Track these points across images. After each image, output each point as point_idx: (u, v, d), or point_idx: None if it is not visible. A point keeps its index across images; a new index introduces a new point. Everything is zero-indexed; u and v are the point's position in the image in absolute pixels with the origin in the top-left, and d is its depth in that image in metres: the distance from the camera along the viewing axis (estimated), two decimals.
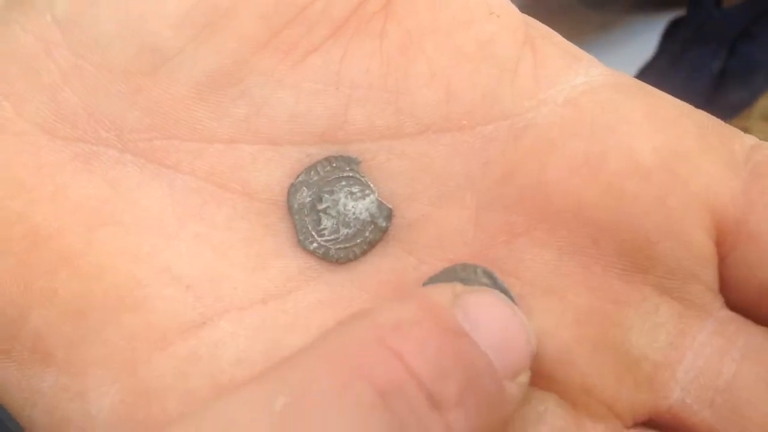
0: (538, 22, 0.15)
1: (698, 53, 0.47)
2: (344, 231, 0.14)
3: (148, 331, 0.14)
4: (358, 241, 0.14)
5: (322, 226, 0.14)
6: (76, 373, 0.14)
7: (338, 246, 0.14)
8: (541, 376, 0.13)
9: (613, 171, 0.14)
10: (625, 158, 0.14)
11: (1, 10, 0.15)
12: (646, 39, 0.52)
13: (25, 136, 0.14)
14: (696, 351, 0.13)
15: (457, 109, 0.14)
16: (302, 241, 0.14)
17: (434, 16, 0.15)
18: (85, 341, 0.14)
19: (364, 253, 0.14)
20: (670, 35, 0.51)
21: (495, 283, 0.14)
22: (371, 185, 0.14)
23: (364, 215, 0.14)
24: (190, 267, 0.14)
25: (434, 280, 0.14)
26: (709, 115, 0.15)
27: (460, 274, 0.14)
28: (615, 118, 0.14)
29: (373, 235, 0.14)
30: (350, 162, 0.14)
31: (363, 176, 0.14)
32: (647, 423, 0.14)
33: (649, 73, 0.54)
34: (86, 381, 0.14)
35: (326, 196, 0.14)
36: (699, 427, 0.13)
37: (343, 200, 0.14)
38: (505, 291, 0.14)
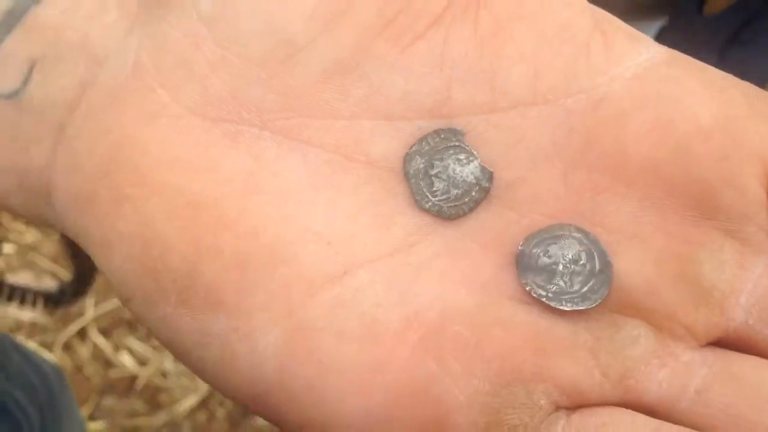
0: (599, 8, 0.18)
1: None
2: (454, 191, 0.17)
3: (300, 281, 0.16)
4: (466, 200, 0.17)
5: (434, 188, 0.17)
6: (243, 317, 0.16)
7: (449, 204, 0.17)
8: (632, 307, 0.16)
9: (680, 134, 0.16)
10: (689, 123, 0.16)
11: (152, 10, 0.17)
12: None
13: (180, 119, 0.17)
14: (754, 281, 0.16)
15: (543, 85, 0.17)
16: (418, 202, 0.17)
17: (519, 4, 0.17)
18: (249, 290, 0.16)
19: (471, 210, 0.17)
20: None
21: (586, 236, 0.16)
22: (474, 152, 0.17)
23: (470, 178, 0.17)
24: (327, 227, 0.16)
25: (534, 236, 0.16)
26: (751, 85, 0.17)
27: (556, 231, 0.16)
28: (677, 89, 0.17)
29: (478, 194, 0.17)
30: (456, 133, 0.17)
31: (467, 145, 0.17)
32: (717, 342, 0.16)
33: None
34: (252, 323, 0.16)
35: (437, 162, 0.17)
36: (759, 344, 0.16)
37: (451, 166, 0.17)
38: (595, 242, 0.16)
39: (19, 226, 1.16)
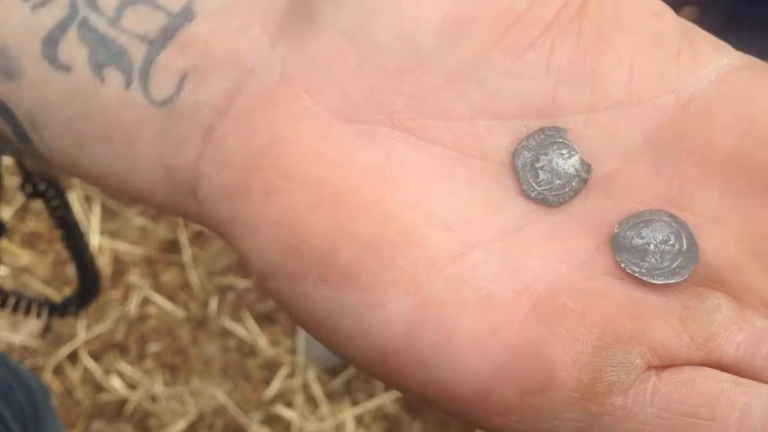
0: (683, 19, 0.20)
1: None
2: (557, 182, 0.19)
3: (425, 260, 0.18)
4: (567, 189, 0.19)
5: (540, 179, 0.19)
6: (377, 291, 0.18)
7: (553, 193, 0.19)
8: (715, 281, 0.18)
9: (760, 129, 0.18)
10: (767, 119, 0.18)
11: (298, 26, 0.20)
12: None
13: (322, 120, 0.19)
14: None
15: (638, 87, 0.19)
16: (525, 191, 0.19)
17: (617, 15, 0.19)
18: (382, 268, 0.18)
19: (571, 198, 0.19)
20: None
21: (675, 219, 0.18)
22: (575, 147, 0.19)
23: (571, 170, 0.19)
24: (448, 213, 0.18)
25: (628, 220, 0.18)
26: None
27: (648, 216, 0.18)
28: (756, 89, 0.19)
29: (578, 185, 0.19)
30: (559, 131, 0.19)
31: (569, 141, 0.19)
32: None
33: None
34: (386, 296, 0.18)
35: (542, 156, 0.19)
36: None
37: (555, 159, 0.19)
38: (683, 224, 0.18)
39: (13, 248, 1.16)
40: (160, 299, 1.17)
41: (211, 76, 0.20)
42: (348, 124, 0.19)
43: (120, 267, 1.20)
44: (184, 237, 1.22)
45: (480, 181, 0.19)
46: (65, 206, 0.44)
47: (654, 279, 0.18)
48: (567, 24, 0.19)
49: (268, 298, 1.18)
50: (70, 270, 1.17)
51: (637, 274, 0.18)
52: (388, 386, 0.19)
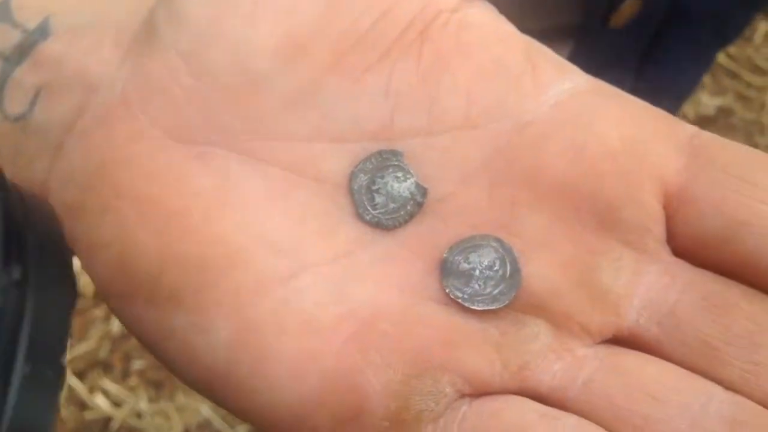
0: (534, 40, 0.20)
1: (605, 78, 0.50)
2: (392, 205, 0.19)
3: (250, 283, 0.18)
4: (402, 213, 0.19)
5: (375, 202, 0.19)
6: (201, 314, 0.18)
7: (387, 217, 0.19)
8: (537, 308, 0.18)
9: (590, 154, 0.18)
10: (600, 145, 0.18)
11: (141, 46, 0.20)
12: None
13: (157, 141, 0.19)
14: (647, 286, 0.18)
15: (475, 111, 0.19)
16: (360, 214, 0.19)
17: (459, 40, 0.19)
18: (206, 290, 0.18)
19: (406, 222, 0.19)
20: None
21: (502, 245, 0.18)
22: (411, 171, 0.19)
23: (406, 193, 0.19)
24: (279, 235, 0.19)
25: (457, 245, 0.18)
26: (662, 111, 0.19)
27: (477, 240, 0.18)
28: (592, 114, 0.19)
29: (413, 208, 0.19)
30: (396, 154, 0.19)
31: (405, 164, 0.19)
32: (612, 340, 0.18)
33: None
34: (209, 320, 0.18)
35: (378, 179, 0.19)
36: (650, 342, 0.17)
37: (390, 182, 0.19)
38: (508, 250, 0.18)
39: None
40: None
41: (61, 94, 0.20)
42: (183, 145, 0.19)
43: None
44: None
45: (315, 204, 0.19)
46: None
47: (474, 305, 0.18)
48: (407, 47, 0.19)
49: None
50: None
51: (459, 300, 0.18)
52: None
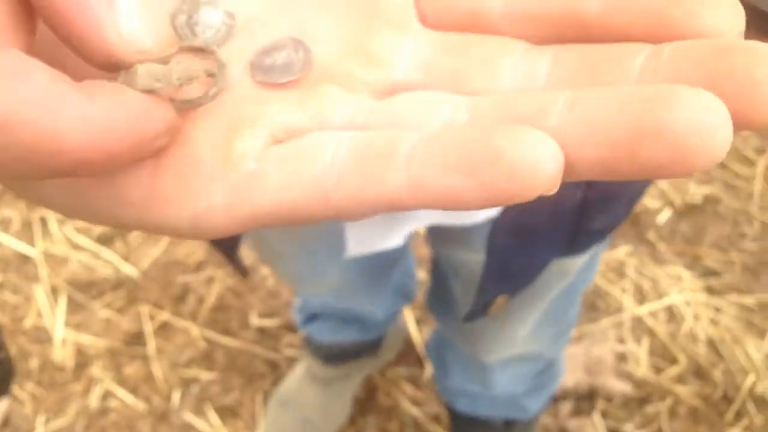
0: None
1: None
2: (209, 32, 0.22)
3: None
4: (218, 36, 0.22)
5: (196, 33, 0.21)
6: None
7: (209, 40, 0.21)
8: (325, 75, 0.21)
9: None
10: None
11: None
12: None
13: None
14: (408, 48, 0.21)
15: None
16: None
17: None
18: None
19: (225, 41, 0.22)
20: None
21: (295, 40, 0.21)
22: (218, 3, 0.22)
23: (219, 21, 0.22)
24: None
25: (262, 49, 0.21)
26: None
27: (276, 44, 0.21)
28: None
29: (228, 30, 0.22)
30: None
31: (214, 1, 0.22)
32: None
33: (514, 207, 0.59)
34: None
35: (194, 15, 0.22)
36: (416, 89, 0.20)
37: (204, 15, 0.22)
38: (300, 42, 0.21)
39: None
40: (122, 392, 1.16)
41: None
42: None
43: (83, 360, 1.20)
44: (149, 328, 1.22)
45: None
46: None
47: (275, 79, 0.21)
48: None
49: (232, 390, 1.17)
50: None
51: (265, 80, 0.21)
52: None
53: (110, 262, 1.30)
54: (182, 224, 0.20)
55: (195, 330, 1.23)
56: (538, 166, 0.16)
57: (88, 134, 0.17)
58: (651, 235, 1.36)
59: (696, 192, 1.43)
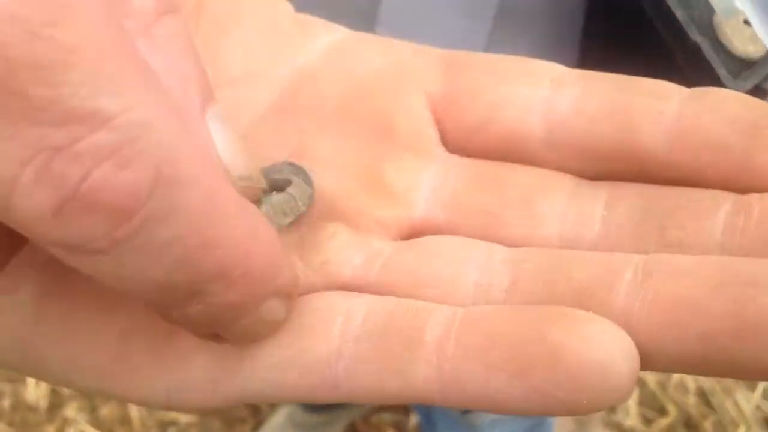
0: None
1: None
2: None
3: None
4: None
5: None
6: None
7: None
8: (331, 212, 0.18)
9: (360, 78, 0.20)
10: (367, 69, 0.20)
11: None
12: None
13: None
14: (429, 179, 0.18)
15: (254, 64, 0.20)
16: None
17: (234, 8, 0.21)
18: None
19: None
20: None
21: (294, 167, 0.19)
22: None
23: None
24: None
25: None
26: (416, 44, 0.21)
27: (275, 168, 0.19)
28: (358, 49, 0.21)
29: None
30: None
31: None
32: (410, 236, 0.18)
33: None
34: None
35: None
36: (440, 227, 0.18)
37: None
38: (300, 169, 0.19)
39: None
40: None
41: None
42: None
43: (57, 400, 1.17)
44: None
45: None
46: None
47: (272, 223, 0.18)
48: (187, 19, 0.19)
49: None
50: None
51: None
52: None
53: None
54: (156, 397, 0.17)
55: None
56: (608, 371, 0.13)
57: None
58: None
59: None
